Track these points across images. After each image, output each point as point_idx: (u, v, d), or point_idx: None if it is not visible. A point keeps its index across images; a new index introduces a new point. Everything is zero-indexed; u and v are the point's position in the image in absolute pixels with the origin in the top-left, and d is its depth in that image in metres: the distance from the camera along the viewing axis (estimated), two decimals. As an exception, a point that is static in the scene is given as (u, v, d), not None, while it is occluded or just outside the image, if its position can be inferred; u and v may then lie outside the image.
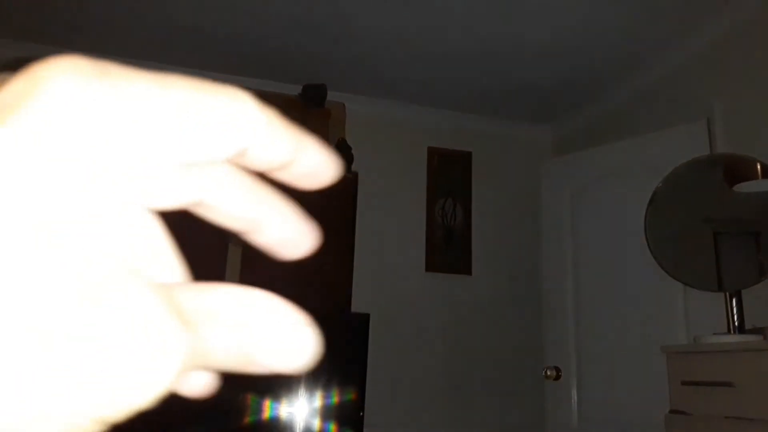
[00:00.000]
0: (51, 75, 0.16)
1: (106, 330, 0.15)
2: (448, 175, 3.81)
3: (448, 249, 3.70)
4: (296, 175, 0.22)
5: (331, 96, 3.45)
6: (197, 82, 0.19)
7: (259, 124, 0.20)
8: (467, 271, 3.70)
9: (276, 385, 2.60)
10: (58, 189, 0.16)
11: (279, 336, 0.19)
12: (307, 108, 3.38)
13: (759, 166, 2.27)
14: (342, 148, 3.31)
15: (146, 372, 0.16)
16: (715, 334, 2.16)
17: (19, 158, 0.16)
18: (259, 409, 2.54)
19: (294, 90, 3.42)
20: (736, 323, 2.15)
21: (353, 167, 3.32)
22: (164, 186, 0.21)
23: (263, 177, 0.23)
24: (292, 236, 0.24)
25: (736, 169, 2.38)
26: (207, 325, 0.18)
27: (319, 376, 2.65)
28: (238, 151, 0.20)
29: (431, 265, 3.65)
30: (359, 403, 2.67)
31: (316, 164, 0.22)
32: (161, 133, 0.18)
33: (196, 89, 0.18)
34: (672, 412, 2.05)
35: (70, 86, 0.16)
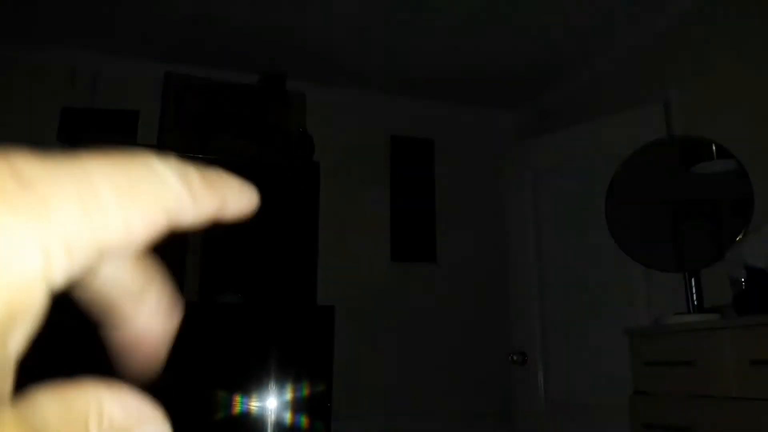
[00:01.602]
0: None
1: None
2: (411, 164, 3.80)
3: (413, 238, 3.70)
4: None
5: (291, 85, 3.39)
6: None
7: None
8: (432, 259, 3.70)
9: (244, 379, 2.57)
10: None
11: None
12: (266, 98, 3.32)
13: (715, 147, 2.32)
14: (303, 139, 3.27)
15: None
16: (675, 314, 2.19)
17: None
18: (229, 405, 2.50)
19: (253, 79, 3.36)
20: (695, 303, 2.19)
21: (314, 157, 3.28)
22: None
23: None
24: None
25: (693, 150, 2.42)
26: None
27: (285, 369, 2.62)
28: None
29: (396, 255, 3.64)
30: (326, 395, 2.65)
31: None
32: None
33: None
34: (636, 392, 2.08)
35: None
